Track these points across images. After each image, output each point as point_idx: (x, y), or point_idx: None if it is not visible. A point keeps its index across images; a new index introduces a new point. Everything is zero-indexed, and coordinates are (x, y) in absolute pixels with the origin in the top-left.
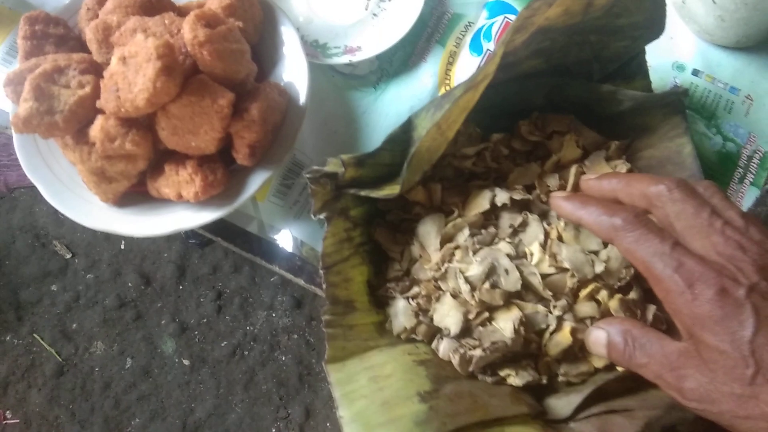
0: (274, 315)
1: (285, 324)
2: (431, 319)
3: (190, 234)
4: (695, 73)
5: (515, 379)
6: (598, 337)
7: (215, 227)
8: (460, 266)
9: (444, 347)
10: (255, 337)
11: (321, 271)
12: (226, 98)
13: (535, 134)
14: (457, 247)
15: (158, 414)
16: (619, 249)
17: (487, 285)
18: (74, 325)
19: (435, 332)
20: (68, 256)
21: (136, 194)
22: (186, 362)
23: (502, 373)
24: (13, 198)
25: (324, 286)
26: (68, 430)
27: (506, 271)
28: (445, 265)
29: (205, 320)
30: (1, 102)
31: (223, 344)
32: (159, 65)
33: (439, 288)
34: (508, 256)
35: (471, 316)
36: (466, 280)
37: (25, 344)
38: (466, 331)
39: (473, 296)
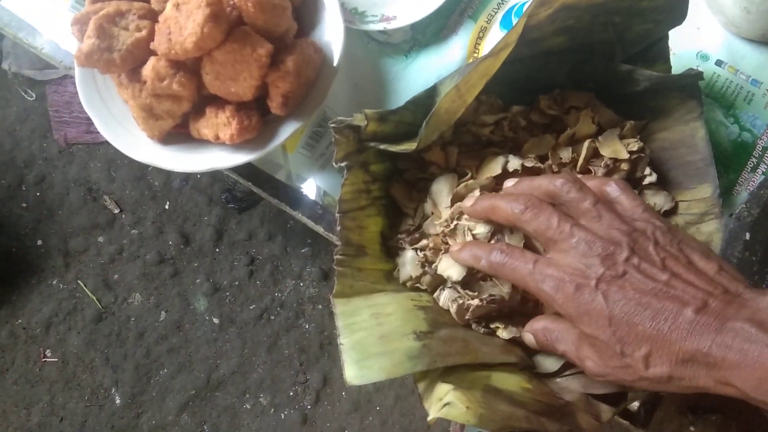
0: (301, 284)
1: (311, 294)
2: (435, 270)
3: (230, 198)
4: (719, 63)
5: (503, 332)
6: (528, 338)
7: (247, 172)
8: (468, 224)
9: (445, 296)
10: (282, 303)
11: (337, 214)
12: (265, 48)
13: (553, 108)
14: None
15: (185, 366)
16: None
17: (493, 242)
18: (116, 276)
19: (438, 283)
20: (116, 211)
21: (179, 135)
22: (216, 321)
23: (493, 326)
24: (71, 153)
25: (338, 228)
26: (101, 373)
27: (510, 231)
28: (455, 222)
29: (236, 283)
30: (68, 45)
31: (251, 307)
32: (207, 12)
33: (446, 243)
34: None
35: (475, 270)
36: (474, 237)
37: (69, 289)
38: (467, 283)
39: None
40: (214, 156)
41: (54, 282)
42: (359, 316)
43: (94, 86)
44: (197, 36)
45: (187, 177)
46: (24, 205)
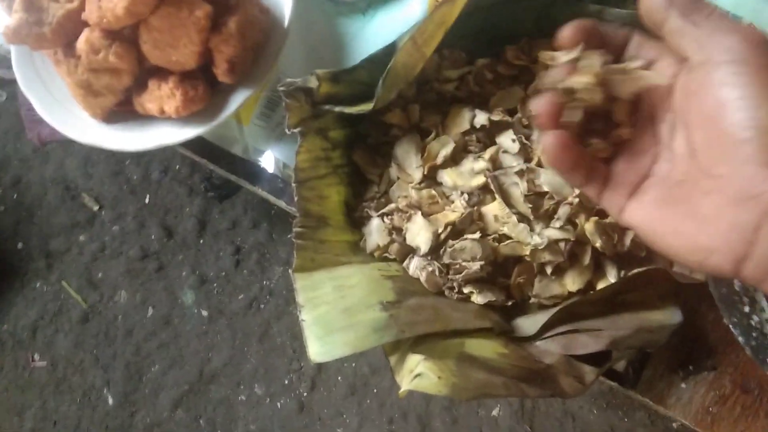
0: (290, 270)
1: None
2: (404, 239)
3: (209, 186)
4: None
5: (478, 296)
6: None
7: (201, 148)
8: (445, 181)
9: (414, 264)
10: (271, 291)
11: (293, 184)
12: (203, 9)
13: (521, 58)
14: (445, 160)
15: (176, 362)
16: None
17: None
18: (100, 274)
19: (407, 252)
20: (96, 208)
21: (125, 113)
22: (204, 313)
23: (467, 291)
24: (46, 152)
25: (296, 198)
26: (92, 374)
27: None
28: (427, 183)
29: (223, 273)
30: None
31: (240, 297)
32: None
33: (412, 207)
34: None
35: (440, 232)
36: (448, 197)
37: (53, 291)
38: (436, 248)
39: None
40: (161, 132)
41: (38, 284)
42: (321, 290)
43: (32, 66)
44: (128, 0)
45: (165, 168)
46: (1, 208)
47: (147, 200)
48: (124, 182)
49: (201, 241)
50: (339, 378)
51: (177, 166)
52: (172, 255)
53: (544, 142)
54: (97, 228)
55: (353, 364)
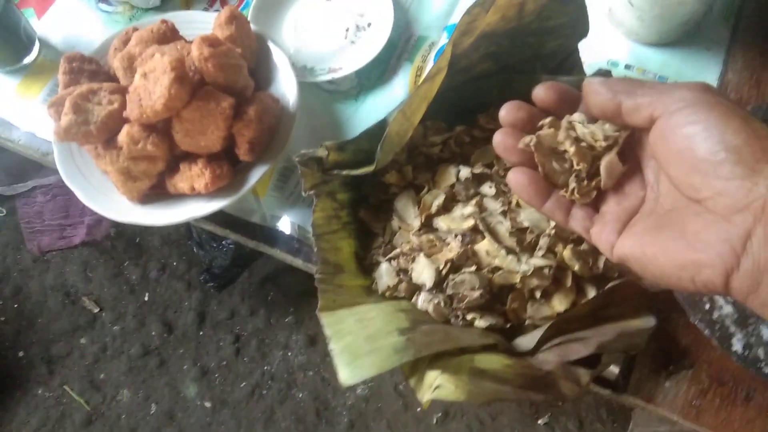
0: (289, 354)
1: (300, 361)
2: (410, 278)
3: (208, 278)
4: (628, 67)
5: (480, 321)
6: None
7: (224, 221)
8: (440, 227)
9: (422, 299)
10: (272, 376)
11: (312, 237)
12: (227, 101)
13: (491, 123)
14: (438, 209)
15: None
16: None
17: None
18: (102, 375)
19: (414, 289)
20: (96, 310)
21: (157, 194)
22: (207, 404)
23: (470, 317)
24: (46, 261)
25: (315, 249)
26: None
27: (488, 232)
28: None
29: (224, 363)
30: (44, 133)
31: (242, 385)
32: (173, 75)
33: (415, 250)
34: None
35: (441, 269)
36: (443, 241)
37: (55, 396)
38: (439, 283)
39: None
40: (190, 207)
41: (39, 391)
42: (345, 323)
43: (72, 162)
44: (165, 98)
45: (163, 266)
46: (2, 318)
47: (146, 298)
48: (123, 283)
49: (201, 333)
50: None
51: (174, 263)
52: (173, 349)
53: (509, 178)
54: (98, 329)
55: None
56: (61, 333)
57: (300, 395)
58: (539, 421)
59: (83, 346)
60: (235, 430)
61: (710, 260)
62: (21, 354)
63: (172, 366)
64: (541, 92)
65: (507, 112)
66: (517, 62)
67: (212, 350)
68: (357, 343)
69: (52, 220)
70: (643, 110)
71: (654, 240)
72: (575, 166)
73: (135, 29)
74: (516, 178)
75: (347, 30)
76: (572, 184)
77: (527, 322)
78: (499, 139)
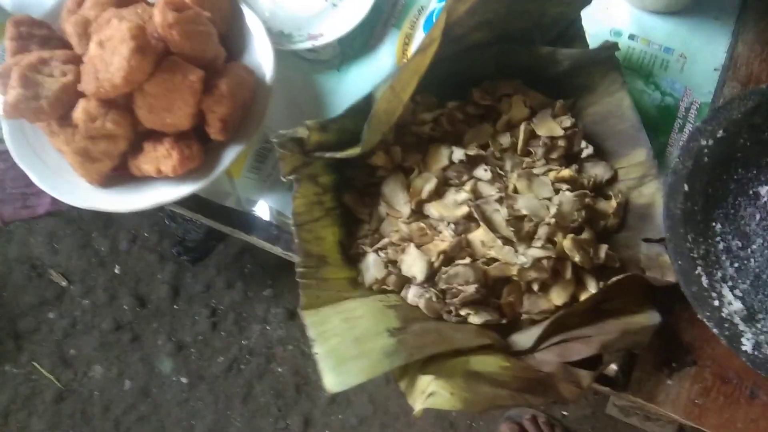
0: (268, 328)
1: (280, 336)
2: (400, 270)
3: (182, 251)
4: (632, 37)
5: (475, 317)
6: None
7: (196, 205)
8: (433, 213)
9: (412, 293)
10: (251, 350)
11: (293, 227)
12: (196, 74)
13: (486, 99)
14: (429, 194)
15: None
16: None
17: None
18: (72, 350)
19: (404, 282)
20: (64, 283)
21: (120, 176)
22: (184, 380)
23: (464, 313)
24: (9, 231)
25: (296, 240)
26: None
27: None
28: (416, 217)
29: (200, 337)
30: None
31: (219, 360)
32: (132, 45)
33: (404, 240)
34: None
35: (433, 260)
36: (436, 228)
37: (24, 373)
38: (431, 276)
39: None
40: (157, 191)
41: (7, 368)
42: (330, 324)
43: (24, 140)
44: (125, 70)
45: (134, 237)
46: None
47: (117, 271)
48: (92, 255)
49: (175, 306)
50: (327, 431)
51: (145, 234)
52: (146, 324)
53: None
54: (67, 303)
55: (339, 416)
56: (28, 307)
57: (279, 370)
58: None
59: (52, 320)
60: (212, 405)
61: None
62: None
63: (146, 341)
64: None
65: None
66: (515, 31)
67: (188, 324)
68: (343, 346)
69: (13, 189)
70: None
71: None
72: None
73: None
74: None
75: None
76: None
77: (523, 316)
78: None
